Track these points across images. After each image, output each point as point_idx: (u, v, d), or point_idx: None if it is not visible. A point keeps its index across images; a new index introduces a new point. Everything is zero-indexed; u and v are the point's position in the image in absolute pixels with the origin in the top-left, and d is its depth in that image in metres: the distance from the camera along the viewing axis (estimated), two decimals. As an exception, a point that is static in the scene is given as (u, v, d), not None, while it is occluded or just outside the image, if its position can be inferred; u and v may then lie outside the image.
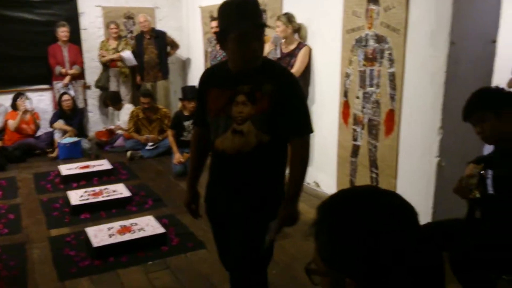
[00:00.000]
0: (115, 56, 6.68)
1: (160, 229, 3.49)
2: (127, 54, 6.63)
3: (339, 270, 0.85)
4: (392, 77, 3.58)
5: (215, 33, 2.03)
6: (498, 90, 2.25)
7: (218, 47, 5.64)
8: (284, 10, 4.71)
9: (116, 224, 3.56)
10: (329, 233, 0.87)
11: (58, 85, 6.53)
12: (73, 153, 5.87)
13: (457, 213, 2.57)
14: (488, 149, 2.77)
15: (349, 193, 0.93)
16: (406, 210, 0.88)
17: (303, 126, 2.01)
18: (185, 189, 2.29)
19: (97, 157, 5.82)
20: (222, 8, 1.92)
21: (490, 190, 2.42)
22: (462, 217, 2.48)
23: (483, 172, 2.41)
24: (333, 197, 0.92)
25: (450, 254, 2.28)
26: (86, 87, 6.97)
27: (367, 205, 0.86)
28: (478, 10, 3.14)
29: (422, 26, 3.27)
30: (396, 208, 0.87)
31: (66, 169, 5.06)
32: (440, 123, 3.23)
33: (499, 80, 3.31)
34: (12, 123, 5.98)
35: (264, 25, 1.94)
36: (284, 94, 1.94)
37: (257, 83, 1.93)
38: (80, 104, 6.68)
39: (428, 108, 3.31)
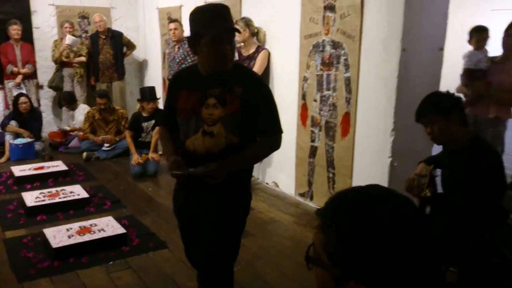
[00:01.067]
0: (63, 48, 6.46)
1: (120, 230, 3.47)
2: (70, 38, 6.43)
3: (345, 270, 0.84)
4: (348, 81, 3.74)
5: (187, 37, 2.06)
6: (448, 94, 2.44)
7: (176, 49, 5.66)
8: (243, 15, 4.80)
9: (75, 225, 3.51)
10: (339, 235, 0.85)
11: (10, 84, 6.33)
12: (26, 155, 5.69)
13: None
14: (436, 149, 2.97)
15: (365, 193, 0.90)
16: (418, 216, 0.89)
17: (272, 127, 2.07)
18: (169, 156, 2.16)
19: (50, 158, 5.67)
20: (195, 13, 1.99)
21: (439, 188, 2.62)
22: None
23: (433, 171, 2.60)
24: (347, 194, 0.91)
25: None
26: (39, 86, 6.78)
27: (384, 211, 0.85)
28: (427, 19, 3.36)
29: (375, 33, 3.45)
30: (413, 222, 0.86)
31: (19, 170, 4.90)
32: (392, 125, 3.42)
33: (446, 85, 3.54)
34: None
35: (236, 29, 2.01)
36: (254, 96, 2.00)
37: (227, 86, 1.99)
38: (33, 104, 6.47)
39: (381, 111, 3.49)
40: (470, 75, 3.81)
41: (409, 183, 2.58)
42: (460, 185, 2.38)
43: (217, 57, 1.96)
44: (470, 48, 4.02)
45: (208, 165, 1.96)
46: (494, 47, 4.04)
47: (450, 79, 4.00)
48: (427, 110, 2.38)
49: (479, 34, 3.88)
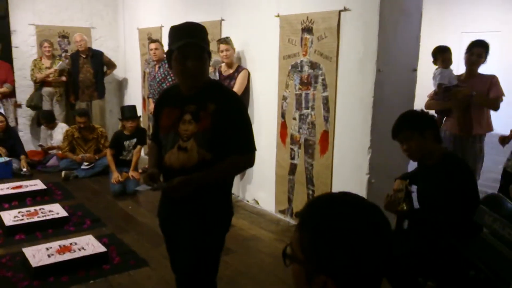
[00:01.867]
0: (50, 71, 6.50)
1: (101, 248, 3.46)
2: (60, 64, 6.54)
3: (316, 266, 0.92)
4: (326, 100, 3.86)
5: (166, 53, 2.10)
6: (423, 112, 2.56)
7: (157, 68, 5.72)
8: (223, 35, 4.91)
9: (55, 244, 3.48)
10: (313, 231, 0.93)
11: (-13, 103, 6.27)
12: (3, 174, 5.61)
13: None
14: (412, 166, 3.08)
15: (339, 198, 0.98)
16: (385, 226, 0.95)
17: (245, 145, 2.08)
18: (149, 169, 2.24)
19: (30, 176, 5.61)
20: (170, 31, 2.06)
21: (415, 203, 2.71)
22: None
23: (409, 187, 2.69)
24: (323, 197, 1.00)
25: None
26: (17, 105, 6.72)
27: (354, 213, 0.93)
28: (401, 41, 3.52)
29: (351, 55, 3.59)
30: (377, 223, 0.94)
31: (-3, 189, 4.84)
32: (369, 143, 3.53)
33: (419, 104, 3.68)
34: None
35: (203, 47, 2.01)
36: (226, 113, 2.03)
37: (201, 103, 2.04)
38: (11, 123, 6.41)
39: (358, 129, 3.61)
40: (446, 91, 3.94)
41: (387, 200, 2.66)
42: (435, 200, 2.47)
43: (183, 72, 2.01)
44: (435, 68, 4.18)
45: (171, 180, 2.00)
46: (462, 67, 4.22)
47: (423, 99, 4.17)
48: (403, 127, 2.48)
49: (443, 54, 4.05)
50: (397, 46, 3.49)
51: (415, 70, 3.68)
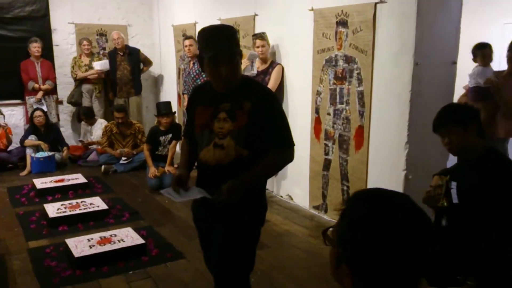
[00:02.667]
0: (91, 72, 6.72)
1: (139, 240, 3.56)
2: (99, 64, 6.72)
3: (344, 252, 0.94)
4: (361, 95, 3.81)
5: (197, 56, 2.17)
6: (467, 106, 2.49)
7: (191, 64, 5.80)
8: (257, 31, 4.92)
9: (96, 236, 3.60)
10: (348, 220, 0.95)
11: (31, 100, 6.53)
12: (47, 167, 5.85)
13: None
14: (451, 162, 3.01)
15: (385, 195, 0.97)
16: (422, 232, 0.92)
17: (282, 141, 2.11)
18: (179, 169, 2.32)
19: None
20: (200, 34, 2.10)
21: (455, 200, 2.64)
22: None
23: (449, 182, 2.62)
24: (370, 190, 1.02)
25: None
26: (58, 102, 6.98)
27: (390, 211, 0.92)
28: (440, 33, 3.43)
29: (388, 48, 3.53)
30: (414, 227, 0.91)
31: (41, 182, 5.04)
32: (406, 138, 3.47)
33: (458, 98, 3.59)
34: None
35: (234, 53, 2.04)
36: (262, 111, 2.05)
37: (236, 101, 2.07)
38: (53, 119, 6.67)
39: (395, 124, 3.55)
40: (478, 93, 3.85)
41: (426, 194, 2.61)
42: (476, 196, 2.40)
43: (216, 77, 2.06)
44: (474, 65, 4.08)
45: (219, 193, 2.02)
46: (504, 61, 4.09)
47: (462, 92, 4.06)
48: (446, 120, 2.41)
49: (484, 51, 3.93)
50: (435, 38, 3.40)
51: (454, 63, 3.57)
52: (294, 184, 4.79)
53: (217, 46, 2.01)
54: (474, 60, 3.98)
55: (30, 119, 6.24)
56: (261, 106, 2.06)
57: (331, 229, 1.01)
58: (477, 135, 2.41)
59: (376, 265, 0.90)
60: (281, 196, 4.95)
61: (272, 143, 2.08)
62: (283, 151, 2.12)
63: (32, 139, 6.06)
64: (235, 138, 2.06)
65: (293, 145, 2.15)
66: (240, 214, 2.13)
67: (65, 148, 6.23)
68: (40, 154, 5.90)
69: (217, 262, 2.20)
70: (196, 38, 2.12)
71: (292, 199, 4.83)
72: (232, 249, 2.14)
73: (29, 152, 5.94)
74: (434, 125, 2.46)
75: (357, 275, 0.92)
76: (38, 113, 6.13)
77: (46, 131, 6.20)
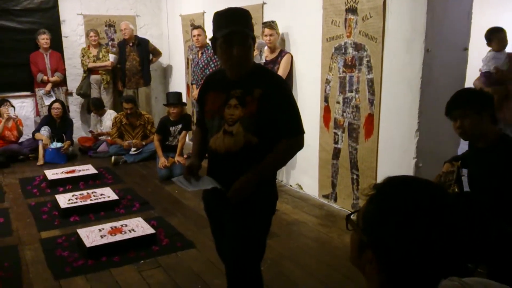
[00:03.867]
0: (106, 63, 6.74)
1: (150, 230, 3.58)
2: (113, 57, 6.78)
3: (369, 239, 0.92)
4: (371, 83, 3.78)
5: (211, 39, 2.12)
6: (482, 91, 2.45)
7: (200, 54, 5.78)
8: (265, 19, 4.88)
9: (107, 226, 3.63)
10: (378, 206, 0.93)
11: (40, 92, 6.57)
12: (58, 159, 5.91)
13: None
14: (461, 150, 2.98)
15: (418, 184, 0.95)
16: (453, 221, 0.91)
17: (292, 128, 2.10)
18: (191, 160, 2.34)
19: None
20: (214, 17, 2.08)
21: (466, 187, 2.62)
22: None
23: (461, 169, 2.59)
24: (403, 179, 0.97)
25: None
26: (68, 93, 7.01)
27: (418, 200, 0.90)
28: (451, 19, 3.37)
29: (398, 35, 3.48)
30: (445, 209, 0.90)
31: (52, 173, 5.09)
32: (417, 126, 3.43)
33: (470, 85, 3.54)
34: None
35: (248, 33, 2.02)
36: (273, 98, 2.04)
37: (247, 88, 2.06)
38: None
39: (405, 112, 3.51)
40: (488, 78, 3.80)
41: (437, 180, 2.58)
42: (487, 183, 2.38)
43: (228, 59, 2.03)
44: (487, 50, 4.01)
45: (232, 189, 2.05)
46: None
47: (474, 79, 4.00)
48: (460, 104, 2.38)
49: (498, 35, 3.86)
50: (447, 24, 3.35)
51: (466, 49, 3.51)
52: (303, 173, 4.78)
53: (231, 25, 1.99)
54: (489, 44, 3.91)
55: (48, 110, 6.24)
56: (271, 93, 2.05)
57: (354, 214, 1.00)
58: (490, 122, 2.38)
59: (409, 252, 0.87)
60: (291, 185, 4.95)
61: (282, 131, 2.08)
62: (294, 138, 2.11)
63: (45, 130, 6.11)
64: (244, 124, 2.05)
65: (303, 132, 2.14)
66: (251, 203, 2.13)
67: (68, 142, 6.13)
68: (55, 145, 5.96)
69: (229, 250, 2.22)
70: (212, 21, 2.09)
71: (301, 188, 4.83)
72: (244, 238, 2.14)
73: (41, 142, 5.98)
74: (448, 107, 2.42)
75: (384, 263, 0.90)
76: (56, 105, 6.17)
77: (61, 124, 6.24)
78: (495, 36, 3.85)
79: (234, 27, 1.99)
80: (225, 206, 2.17)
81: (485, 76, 3.81)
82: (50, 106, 6.21)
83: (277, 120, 2.06)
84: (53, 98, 6.50)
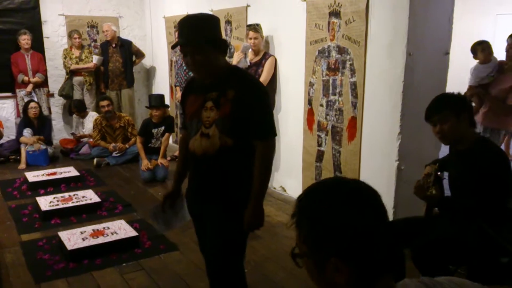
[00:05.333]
0: (89, 65, 6.67)
1: (132, 233, 3.55)
2: (97, 58, 6.70)
3: (322, 252, 0.95)
4: (354, 86, 3.81)
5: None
6: (460, 95, 2.49)
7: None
8: (249, 22, 4.89)
9: (89, 228, 3.59)
10: (307, 222, 0.97)
11: (21, 93, 6.47)
12: (39, 161, 5.81)
13: (416, 212, 2.79)
14: (443, 153, 3.03)
15: (319, 184, 1.04)
16: (370, 192, 1.00)
17: (265, 130, 2.10)
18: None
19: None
20: (178, 23, 2.10)
21: (447, 189, 2.66)
22: (420, 215, 2.69)
23: (440, 173, 2.64)
24: (306, 190, 1.04)
25: (412, 249, 2.48)
26: (49, 95, 6.92)
27: (336, 192, 0.98)
28: (432, 23, 3.42)
29: (380, 39, 3.52)
30: (361, 191, 0.99)
31: (33, 176, 5.02)
32: (399, 129, 3.47)
33: (451, 89, 3.60)
34: None
35: (200, 42, 1.99)
36: (246, 99, 2.05)
37: (222, 90, 2.08)
38: (44, 112, 6.60)
39: (387, 115, 3.55)
40: (472, 91, 3.91)
41: (416, 184, 2.62)
42: (467, 185, 2.41)
43: (190, 66, 2.09)
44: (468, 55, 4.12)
45: (246, 219, 2.11)
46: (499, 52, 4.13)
47: (455, 83, 4.07)
48: (439, 108, 2.41)
49: (480, 47, 3.95)
50: (428, 28, 3.40)
51: (447, 53, 3.57)
52: (287, 176, 4.80)
53: (183, 35, 2.03)
54: (475, 57, 4.01)
55: (23, 112, 6.16)
56: (244, 94, 2.06)
57: (295, 249, 1.02)
58: (468, 125, 2.42)
59: (360, 240, 0.92)
60: (274, 188, 4.96)
61: (255, 132, 2.09)
62: (267, 141, 2.11)
63: (28, 132, 6.01)
64: (219, 126, 2.07)
65: (275, 134, 2.15)
66: (230, 203, 2.15)
67: (41, 137, 6.02)
68: (32, 147, 5.87)
69: (209, 250, 2.23)
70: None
71: (285, 190, 4.84)
72: (223, 238, 2.16)
73: (23, 146, 5.89)
74: (427, 113, 2.46)
75: (348, 256, 0.93)
76: (33, 104, 6.08)
77: (39, 124, 6.16)
78: (477, 48, 3.95)
79: (184, 38, 2.02)
80: (206, 205, 2.19)
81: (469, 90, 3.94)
82: (25, 107, 6.09)
83: (250, 121, 2.06)
84: (35, 99, 6.41)
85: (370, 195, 0.98)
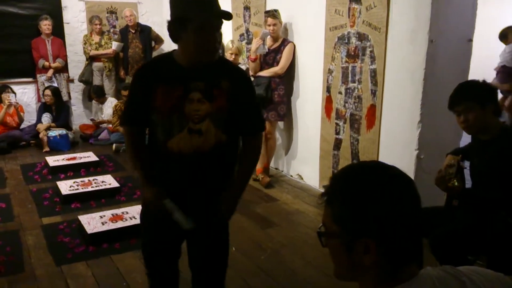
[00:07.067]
0: (108, 51, 6.70)
1: (150, 218, 3.59)
2: (116, 45, 6.72)
3: (353, 232, 0.94)
4: (374, 73, 3.76)
5: (168, 22, 1.82)
6: (485, 83, 2.41)
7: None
8: (268, 8, 4.85)
9: (108, 213, 3.65)
10: (341, 201, 0.96)
11: (42, 78, 6.56)
12: (61, 146, 5.92)
13: (435, 202, 2.75)
14: (463, 142, 2.97)
15: (357, 165, 1.06)
16: (406, 178, 0.99)
17: (258, 125, 2.00)
18: (147, 187, 1.95)
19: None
20: None
21: (468, 179, 2.61)
22: (440, 205, 2.65)
23: (461, 162, 2.58)
24: (343, 169, 1.04)
25: (430, 239, 2.45)
26: (69, 80, 7.00)
27: (378, 174, 0.98)
28: (456, 10, 3.33)
29: (402, 25, 3.45)
30: (401, 177, 0.98)
31: (53, 160, 5.11)
32: (419, 117, 3.41)
33: (474, 77, 3.52)
34: None
35: (228, 14, 1.80)
36: (241, 92, 1.89)
37: (212, 80, 1.84)
38: (64, 97, 6.70)
39: (407, 103, 3.49)
40: (505, 73, 3.79)
41: (438, 175, 2.57)
42: (491, 175, 2.36)
43: (206, 46, 1.78)
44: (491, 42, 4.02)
45: (220, 212, 1.95)
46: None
47: (478, 71, 3.98)
48: (464, 97, 2.34)
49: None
50: (451, 14, 3.31)
51: (470, 40, 3.48)
52: (304, 164, 4.78)
53: (207, 10, 1.73)
54: (505, 42, 3.91)
55: (42, 97, 6.29)
56: (239, 86, 1.89)
57: (321, 227, 1.02)
58: (493, 114, 2.36)
59: (392, 221, 0.92)
60: (291, 176, 4.95)
61: (248, 127, 1.95)
62: (257, 135, 2.01)
63: (47, 116, 6.16)
64: (214, 121, 1.84)
65: (264, 130, 2.08)
66: (218, 210, 1.98)
67: (52, 124, 6.13)
68: (52, 133, 5.98)
69: (209, 260, 2.04)
70: (170, 1, 1.81)
71: (302, 178, 4.83)
72: (224, 243, 2.07)
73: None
74: (451, 102, 2.39)
75: (381, 239, 0.92)
76: (47, 91, 6.21)
77: (58, 109, 6.26)
78: (507, 31, 3.85)
79: (213, 10, 1.75)
80: (196, 209, 1.93)
81: (502, 71, 3.80)
82: (43, 93, 6.23)
83: (243, 115, 1.91)
84: (55, 84, 6.50)
85: (408, 182, 0.98)
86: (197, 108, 1.81)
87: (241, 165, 2.00)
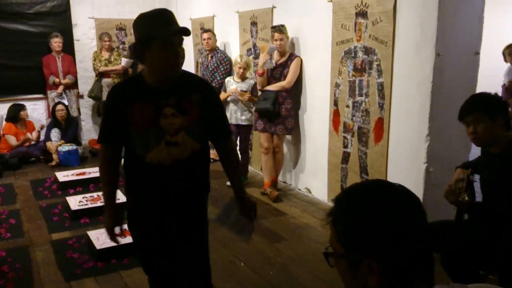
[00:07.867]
0: (117, 67, 6.79)
1: (159, 233, 3.59)
2: (125, 61, 6.80)
3: (357, 253, 0.94)
4: (381, 87, 3.76)
5: (132, 44, 2.04)
6: (496, 96, 2.41)
7: (209, 58, 5.80)
8: (275, 23, 4.89)
9: (117, 228, 3.64)
10: (344, 220, 0.97)
11: (52, 94, 6.65)
12: (71, 161, 5.98)
13: (445, 216, 2.73)
14: (473, 155, 2.95)
15: (361, 185, 1.04)
16: (411, 196, 0.99)
17: (228, 129, 2.19)
18: (107, 212, 2.28)
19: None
20: (140, 19, 1.93)
21: (478, 192, 2.58)
22: (450, 219, 2.63)
23: (471, 176, 2.56)
24: (346, 189, 1.04)
25: (441, 253, 2.43)
26: (79, 96, 7.08)
27: (380, 193, 0.97)
28: (462, 23, 3.34)
29: (408, 39, 3.46)
30: (404, 195, 0.98)
31: (63, 175, 5.15)
32: (427, 130, 3.40)
33: (482, 90, 3.52)
34: (13, 141, 6.11)
35: (186, 31, 1.93)
36: (210, 102, 2.06)
37: (182, 94, 1.98)
38: (74, 113, 6.78)
39: (415, 116, 3.49)
40: (508, 91, 3.79)
41: (448, 188, 2.55)
42: (501, 189, 2.34)
43: (169, 60, 1.90)
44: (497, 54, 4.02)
45: (248, 214, 2.24)
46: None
47: (486, 84, 3.97)
48: (474, 108, 2.34)
49: (510, 51, 3.86)
50: (458, 28, 3.32)
51: (477, 53, 3.48)
52: (312, 177, 4.77)
53: (169, 26, 1.87)
54: (505, 60, 3.92)
55: (52, 113, 6.37)
56: (208, 97, 2.06)
57: (328, 248, 1.02)
58: (503, 127, 2.35)
59: (396, 242, 0.91)
60: (299, 189, 4.94)
61: (219, 133, 2.14)
62: (228, 141, 2.19)
63: (56, 132, 6.23)
64: (189, 132, 2.00)
65: (232, 134, 2.29)
66: (198, 220, 2.19)
67: (62, 141, 6.24)
68: (63, 148, 6.04)
69: (194, 266, 2.25)
70: (133, 26, 1.95)
71: (310, 192, 4.82)
72: (206, 249, 2.26)
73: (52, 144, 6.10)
74: (461, 112, 2.39)
75: (383, 259, 0.92)
76: (60, 106, 6.28)
77: (67, 125, 6.34)
78: (507, 51, 3.85)
79: (173, 26, 1.90)
80: (175, 216, 2.14)
81: (507, 89, 3.82)
82: (53, 108, 6.31)
83: (214, 123, 2.09)
84: (65, 100, 6.58)
85: (412, 199, 0.97)
86: (172, 122, 1.96)
87: (227, 168, 2.21)
